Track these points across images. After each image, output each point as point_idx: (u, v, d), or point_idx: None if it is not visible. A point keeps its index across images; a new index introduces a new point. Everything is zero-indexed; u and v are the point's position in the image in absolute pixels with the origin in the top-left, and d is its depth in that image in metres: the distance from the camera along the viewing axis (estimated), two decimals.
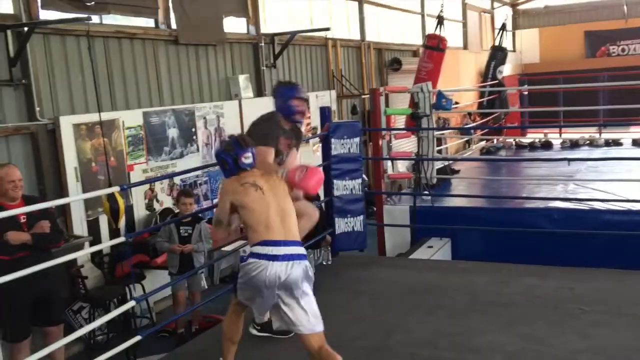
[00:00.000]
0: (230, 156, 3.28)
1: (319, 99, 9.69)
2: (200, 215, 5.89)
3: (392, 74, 12.77)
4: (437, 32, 9.72)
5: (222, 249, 5.41)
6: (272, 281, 3.04)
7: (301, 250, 3.18)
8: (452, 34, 16.75)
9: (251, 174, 3.28)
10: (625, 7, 21.68)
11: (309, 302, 3.12)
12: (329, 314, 4.29)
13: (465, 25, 17.97)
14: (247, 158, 3.27)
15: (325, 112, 5.90)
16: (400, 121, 10.12)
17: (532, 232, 5.99)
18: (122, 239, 3.92)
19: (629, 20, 21.69)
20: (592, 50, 22.26)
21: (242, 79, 8.18)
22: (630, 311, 3.98)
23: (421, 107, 6.95)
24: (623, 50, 21.98)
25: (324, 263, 5.38)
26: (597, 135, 11.40)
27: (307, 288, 3.14)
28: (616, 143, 10.93)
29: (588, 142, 11.13)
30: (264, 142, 3.67)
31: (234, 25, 8.39)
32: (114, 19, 6.62)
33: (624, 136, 11.44)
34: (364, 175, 7.70)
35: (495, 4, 21.26)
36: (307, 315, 3.09)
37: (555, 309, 4.08)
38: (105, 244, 4.89)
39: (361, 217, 5.64)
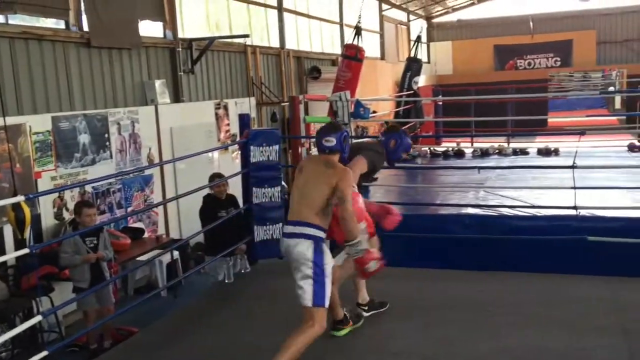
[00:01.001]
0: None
1: (239, 105, 9.64)
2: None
3: (312, 82, 12.88)
4: (355, 42, 9.89)
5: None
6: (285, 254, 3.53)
7: (305, 230, 3.41)
8: (370, 45, 17.13)
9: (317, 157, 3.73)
10: (531, 23, 22.96)
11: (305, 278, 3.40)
12: (248, 321, 4.27)
13: (382, 36, 18.44)
14: (328, 141, 3.60)
15: (244, 119, 5.86)
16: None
17: (446, 237, 6.17)
18: (27, 250, 3.71)
19: (535, 36, 22.99)
20: (501, 64, 23.42)
21: (159, 84, 7.99)
22: (536, 312, 4.17)
23: (340, 116, 7.04)
24: (529, 64, 23.25)
25: (242, 271, 5.33)
26: (505, 145, 11.94)
27: (306, 267, 3.39)
28: (523, 152, 11.48)
29: (497, 151, 11.63)
30: (372, 159, 4.07)
31: (150, 29, 8.19)
32: (21, 19, 6.30)
33: (530, 145, 12.05)
34: (283, 183, 7.72)
35: (411, 17, 21.95)
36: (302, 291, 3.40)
37: (468, 311, 4.23)
38: (9, 256, 4.62)
39: (280, 225, 5.62)
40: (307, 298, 3.38)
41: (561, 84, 23.67)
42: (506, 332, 3.86)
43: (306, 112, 11.43)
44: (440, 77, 22.44)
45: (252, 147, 5.45)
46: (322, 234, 3.47)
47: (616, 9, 22.37)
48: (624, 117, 18.48)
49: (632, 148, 11.29)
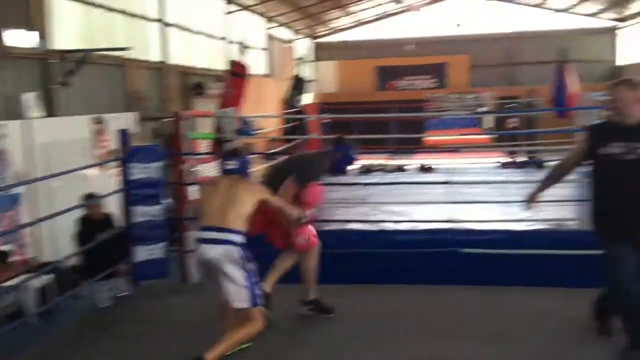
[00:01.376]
0: None
1: (118, 121, 9.25)
2: None
3: (197, 98, 12.68)
4: (240, 59, 9.86)
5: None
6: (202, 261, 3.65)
7: (231, 237, 3.57)
8: (256, 62, 17.15)
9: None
10: (411, 46, 24.09)
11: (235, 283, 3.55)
12: (128, 347, 4.07)
13: (268, 53, 18.54)
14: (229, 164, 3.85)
15: (124, 135, 5.64)
16: (204, 146, 10.03)
17: (329, 253, 6.25)
18: None
19: (413, 58, 24.12)
20: (382, 84, 24.34)
21: (29, 98, 7.49)
22: (412, 322, 4.33)
23: (225, 132, 6.94)
24: (409, 84, 24.33)
25: (122, 294, 5.09)
26: (388, 162, 12.40)
27: (231, 269, 3.54)
28: (402, 169, 11.99)
29: (380, 167, 12.06)
30: (304, 176, 4.28)
31: (19, 39, 7.68)
32: None
33: (411, 162, 12.60)
34: (167, 201, 7.48)
35: (297, 36, 22.28)
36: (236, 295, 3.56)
37: (351, 323, 4.29)
38: None
39: (163, 244, 5.45)
40: (244, 300, 3.57)
41: (438, 105, 25.00)
42: (387, 342, 3.97)
43: (191, 129, 11.21)
44: (326, 95, 22.90)
45: (132, 164, 5.25)
46: (244, 240, 3.65)
47: (487, 35, 24.02)
48: (495, 136, 19.84)
49: (505, 164, 12.14)
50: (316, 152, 4.92)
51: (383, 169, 12.07)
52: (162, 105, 11.30)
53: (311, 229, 4.49)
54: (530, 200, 3.94)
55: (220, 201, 3.68)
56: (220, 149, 7.08)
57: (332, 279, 5.45)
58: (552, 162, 12.76)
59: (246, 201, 3.66)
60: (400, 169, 11.95)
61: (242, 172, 3.94)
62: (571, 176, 3.71)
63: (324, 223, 7.19)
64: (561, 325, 4.17)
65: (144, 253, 5.28)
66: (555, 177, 3.86)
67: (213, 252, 3.55)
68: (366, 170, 12.09)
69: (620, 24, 22.95)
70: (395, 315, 4.46)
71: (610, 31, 23.52)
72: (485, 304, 4.54)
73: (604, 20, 23.53)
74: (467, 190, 8.27)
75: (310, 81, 19.16)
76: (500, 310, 4.48)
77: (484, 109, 25.08)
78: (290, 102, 12.41)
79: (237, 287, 3.54)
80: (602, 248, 3.56)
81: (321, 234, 6.75)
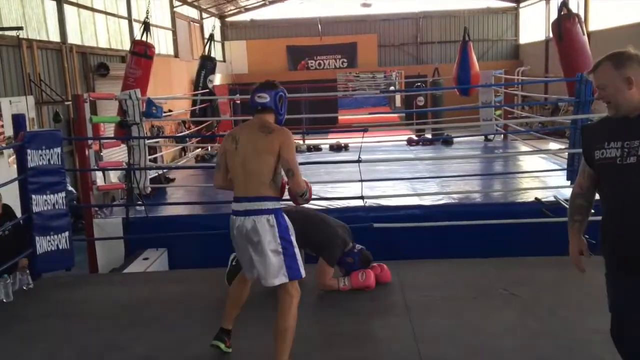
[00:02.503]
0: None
1: (14, 105, 8.71)
2: None
3: (100, 79, 12.13)
4: (144, 39, 9.49)
5: None
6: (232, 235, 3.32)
7: (261, 205, 3.23)
8: (162, 42, 16.61)
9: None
10: (319, 26, 24.13)
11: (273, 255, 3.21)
12: (33, 343, 3.86)
13: (175, 33, 18.00)
14: (261, 97, 3.36)
15: (19, 120, 5.29)
16: (111, 129, 9.64)
17: None
18: None
19: (324, 38, 24.22)
20: (294, 64, 24.30)
21: None
22: (328, 299, 4.37)
23: (130, 115, 6.69)
24: (320, 64, 24.43)
25: (24, 288, 4.81)
26: (300, 142, 12.39)
27: (263, 242, 3.20)
28: (317, 148, 12.02)
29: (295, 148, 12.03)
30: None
31: None
32: None
33: (323, 142, 12.67)
34: (71, 188, 7.15)
35: (204, 15, 21.75)
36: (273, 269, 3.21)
37: (268, 305, 4.27)
38: None
39: (67, 234, 5.19)
40: (282, 274, 3.21)
41: (348, 84, 25.25)
42: (304, 320, 3.98)
43: (94, 112, 10.74)
44: (237, 76, 22.59)
45: (29, 151, 4.94)
46: (279, 205, 3.32)
47: (394, 15, 24.48)
48: (404, 114, 20.32)
49: (410, 142, 12.45)
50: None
51: (297, 148, 12.06)
52: (63, 87, 10.72)
53: (371, 273, 4.51)
54: (575, 258, 2.91)
55: (242, 165, 3.28)
56: (125, 133, 6.83)
57: None
58: (459, 137, 13.21)
59: (267, 162, 3.24)
60: (314, 148, 11.99)
61: (273, 106, 3.37)
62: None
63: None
64: (468, 292, 4.35)
65: (46, 244, 5.01)
66: (577, 210, 2.81)
67: (244, 223, 3.21)
68: None
69: (522, 4, 24.03)
70: (307, 293, 4.48)
71: (513, 11, 24.58)
72: (398, 278, 4.65)
73: (506, 2, 24.55)
74: (378, 168, 8.41)
75: (219, 61, 18.78)
76: (412, 283, 4.61)
77: (392, 88, 25.67)
78: (199, 83, 12.10)
79: (274, 262, 3.19)
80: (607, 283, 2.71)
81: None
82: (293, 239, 3.30)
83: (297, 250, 3.31)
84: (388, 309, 4.17)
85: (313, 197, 3.82)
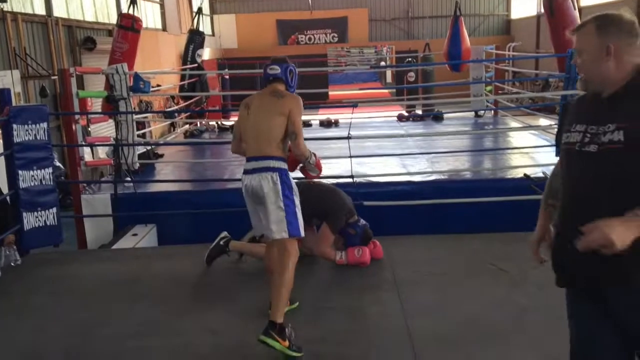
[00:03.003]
0: None
1: None
2: None
3: (87, 54, 11.95)
4: (131, 12, 9.33)
5: None
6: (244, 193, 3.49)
7: (269, 163, 3.43)
8: (150, 15, 16.37)
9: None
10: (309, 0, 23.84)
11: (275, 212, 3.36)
12: (22, 319, 3.85)
13: (162, 6, 17.72)
14: (273, 69, 3.61)
15: (4, 95, 5.22)
16: (99, 104, 9.53)
17: (235, 211, 6.18)
18: None
19: (314, 12, 23.95)
20: (284, 38, 24.04)
21: None
22: (321, 275, 4.39)
23: (117, 90, 6.61)
24: (310, 39, 24.19)
25: (12, 264, 4.78)
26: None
27: (269, 198, 3.37)
28: (306, 124, 11.97)
29: None
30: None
31: None
32: None
33: (314, 118, 12.61)
34: (59, 164, 7.08)
35: None
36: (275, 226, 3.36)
37: (257, 281, 4.28)
38: None
39: (54, 210, 5.16)
40: (282, 230, 3.37)
41: (339, 59, 25.08)
42: (294, 292, 4.00)
43: (81, 86, 10.59)
44: (226, 50, 22.34)
45: (15, 126, 4.89)
46: (285, 165, 3.50)
47: None
48: (395, 90, 20.25)
49: (400, 118, 12.42)
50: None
51: None
52: (49, 62, 10.56)
53: (367, 251, 4.51)
54: (533, 247, 2.50)
55: (253, 126, 3.53)
56: (112, 108, 6.76)
57: (238, 237, 5.41)
58: (449, 113, 13.19)
59: (277, 122, 3.47)
60: (304, 124, 11.93)
61: (284, 77, 3.62)
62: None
63: (229, 182, 7.10)
64: (457, 268, 4.38)
65: (33, 220, 4.97)
66: (552, 193, 2.34)
67: (251, 181, 3.43)
68: None
69: None
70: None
71: None
72: (386, 254, 4.67)
73: None
74: (368, 144, 8.39)
75: (208, 36, 18.54)
76: (402, 259, 4.62)
77: (383, 63, 25.52)
78: (187, 57, 11.95)
79: (275, 217, 3.36)
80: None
81: (226, 193, 6.70)
82: (296, 199, 3.47)
83: (298, 210, 3.46)
84: (377, 285, 4.19)
85: (300, 174, 3.86)
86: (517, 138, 9.46)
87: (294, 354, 3.14)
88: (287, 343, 3.13)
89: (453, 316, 3.65)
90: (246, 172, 3.50)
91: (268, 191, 3.38)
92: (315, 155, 3.81)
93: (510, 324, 3.51)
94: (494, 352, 3.17)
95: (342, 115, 12.16)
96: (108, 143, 7.71)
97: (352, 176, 6.06)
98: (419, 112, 13.19)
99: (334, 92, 20.82)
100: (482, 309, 3.73)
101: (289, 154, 3.63)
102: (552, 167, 6.66)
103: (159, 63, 15.10)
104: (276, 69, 3.62)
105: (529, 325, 3.49)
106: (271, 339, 3.10)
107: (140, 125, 10.06)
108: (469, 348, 3.24)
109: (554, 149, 7.15)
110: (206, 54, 15.63)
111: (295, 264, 3.38)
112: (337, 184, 6.38)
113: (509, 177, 6.86)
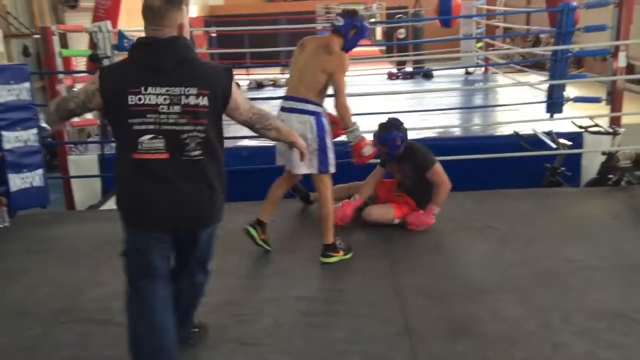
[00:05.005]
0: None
1: None
2: None
3: (69, 11, 11.68)
4: None
5: None
6: None
7: (306, 106, 3.72)
8: None
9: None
10: None
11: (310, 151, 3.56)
12: (14, 280, 3.85)
13: None
14: (337, 20, 3.82)
15: None
16: (85, 63, 9.34)
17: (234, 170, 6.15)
18: None
19: None
20: None
21: None
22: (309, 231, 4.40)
23: (101, 48, 6.46)
24: None
25: (1, 225, 4.76)
26: (280, 76, 12.18)
27: (310, 140, 3.65)
28: None
29: (272, 82, 11.83)
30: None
31: None
32: None
33: None
34: (45, 125, 6.96)
35: None
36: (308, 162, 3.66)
37: (246, 241, 4.29)
38: None
39: (40, 171, 5.10)
40: (313, 166, 3.74)
41: (328, 16, 24.63)
42: (279, 257, 4.02)
43: (64, 45, 10.37)
44: (212, 7, 21.89)
45: None
46: (321, 110, 3.79)
47: None
48: (384, 47, 20.00)
49: (390, 76, 12.30)
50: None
51: (275, 83, 11.84)
52: (31, 20, 10.31)
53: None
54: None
55: (299, 70, 3.80)
56: (97, 67, 6.62)
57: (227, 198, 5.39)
58: (439, 70, 13.08)
59: (319, 77, 3.71)
60: None
61: (343, 32, 3.76)
62: None
63: (227, 140, 7.03)
64: (447, 225, 4.40)
65: (19, 181, 4.92)
66: None
67: (287, 119, 3.65)
68: (257, 85, 11.85)
69: None
70: (291, 229, 4.50)
71: None
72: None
73: None
74: (358, 102, 8.31)
75: None
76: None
77: (373, 20, 25.11)
78: None
79: (310, 156, 3.60)
80: None
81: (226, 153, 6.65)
82: (328, 140, 3.78)
83: (330, 149, 3.78)
84: (366, 242, 4.20)
85: None
86: (508, 94, 9.42)
87: (348, 256, 3.86)
88: (341, 254, 3.83)
89: (441, 272, 3.69)
90: (283, 109, 3.79)
91: (305, 131, 3.65)
92: (360, 133, 3.89)
93: (496, 279, 3.55)
94: (482, 306, 3.21)
95: None
96: None
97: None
98: (409, 69, 13.07)
99: None
100: (469, 265, 3.77)
101: (331, 116, 3.93)
102: (542, 124, 6.68)
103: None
104: (340, 21, 3.77)
105: (515, 279, 3.53)
106: (329, 258, 3.80)
107: None
108: (456, 303, 3.27)
109: (544, 105, 7.13)
110: (193, 11, 15.33)
111: (331, 195, 3.83)
112: None
113: (499, 134, 6.85)
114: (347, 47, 3.80)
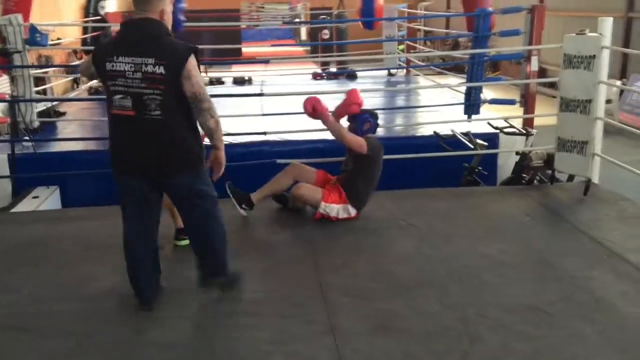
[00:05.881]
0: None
1: None
2: None
3: None
4: None
5: None
6: None
7: None
8: None
9: None
10: None
11: None
12: None
13: None
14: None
15: None
16: None
17: None
18: None
19: None
20: None
21: None
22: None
23: (11, 43, 6.14)
24: None
25: None
26: (204, 74, 11.97)
27: None
28: (220, 81, 11.70)
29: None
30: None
31: None
32: None
33: (227, 75, 12.33)
34: None
35: None
36: None
37: (170, 243, 4.19)
38: None
39: None
40: None
41: (252, 15, 24.51)
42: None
43: None
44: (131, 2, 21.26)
45: None
46: None
47: None
48: (309, 48, 20.07)
49: (315, 76, 12.37)
50: None
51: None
52: None
53: None
54: None
55: None
56: (7, 61, 6.29)
57: None
58: (363, 71, 13.29)
59: None
60: (216, 81, 11.62)
61: None
62: None
63: None
64: (368, 224, 4.46)
65: None
66: None
67: None
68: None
69: None
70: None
71: None
72: (300, 212, 4.68)
73: None
74: (281, 102, 8.31)
75: None
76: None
77: (297, 20, 25.17)
78: (90, 9, 11.27)
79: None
80: None
81: None
82: None
83: None
84: (291, 242, 4.20)
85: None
86: (428, 96, 9.68)
87: None
88: None
89: (363, 269, 3.73)
90: None
91: None
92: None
93: (415, 274, 3.63)
94: (403, 302, 3.28)
95: (256, 72, 11.95)
96: (2, 100, 7.20)
97: (265, 133, 6.00)
98: (333, 70, 13.19)
99: (247, 49, 20.38)
100: (390, 262, 3.83)
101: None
102: (459, 124, 6.90)
103: (59, 14, 14.17)
104: None
105: (433, 274, 3.63)
106: (181, 240, 3.96)
107: (41, 81, 9.46)
108: (379, 300, 3.32)
109: (462, 107, 7.37)
110: (112, 5, 14.82)
111: None
112: (253, 142, 6.32)
113: (420, 134, 7.02)
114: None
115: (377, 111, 8.44)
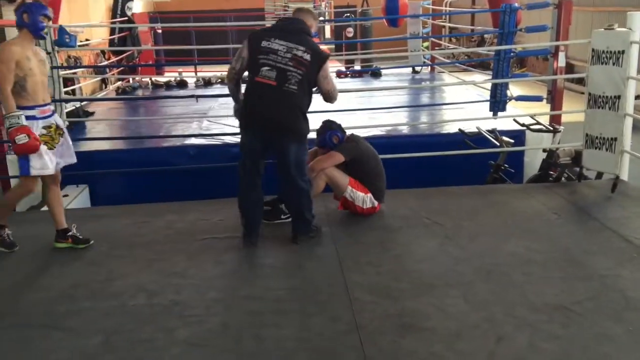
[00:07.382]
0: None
1: None
2: None
3: (7, 6, 11.22)
4: None
5: None
6: None
7: None
8: None
9: None
10: None
11: None
12: None
13: None
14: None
15: None
16: None
17: (171, 170, 6.06)
18: None
19: None
20: None
21: None
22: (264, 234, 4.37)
23: (41, 44, 6.24)
24: None
25: None
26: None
27: None
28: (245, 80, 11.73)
29: (220, 80, 11.71)
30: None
31: None
32: None
33: None
34: None
35: None
36: None
37: (194, 241, 4.24)
38: None
39: None
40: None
41: (276, 14, 24.54)
42: (229, 257, 3.99)
43: (3, 40, 9.99)
44: (158, 4, 21.48)
45: None
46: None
47: None
48: (333, 46, 20.06)
49: (339, 74, 12.36)
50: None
51: (222, 80, 11.71)
52: None
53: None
54: None
55: None
56: None
57: (174, 197, 5.32)
58: (387, 69, 13.24)
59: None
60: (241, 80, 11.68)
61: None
62: None
63: (163, 139, 6.93)
64: (393, 222, 4.45)
65: None
66: None
67: None
68: (206, 82, 11.71)
69: None
70: (236, 229, 4.46)
71: None
72: (325, 208, 4.68)
73: None
74: None
75: None
76: (338, 214, 4.66)
77: (322, 18, 25.14)
78: (117, 10, 11.44)
79: None
80: None
81: (160, 151, 6.55)
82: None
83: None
84: (315, 240, 4.21)
85: (236, 130, 4.05)
86: (453, 93, 9.61)
87: (82, 245, 4.17)
88: (70, 240, 4.18)
89: (388, 268, 3.72)
90: None
91: None
92: (19, 121, 3.83)
93: (442, 274, 3.61)
94: (428, 301, 3.26)
95: None
96: None
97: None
98: (358, 67, 13.16)
99: None
100: (415, 261, 3.82)
101: None
102: (485, 122, 6.84)
103: (87, 16, 14.40)
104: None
105: (459, 274, 3.60)
106: (59, 243, 4.19)
107: (70, 81, 9.63)
108: (404, 299, 3.31)
109: (487, 104, 7.30)
110: (137, 6, 15.01)
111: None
112: None
113: (445, 132, 6.98)
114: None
115: (402, 109, 8.45)
